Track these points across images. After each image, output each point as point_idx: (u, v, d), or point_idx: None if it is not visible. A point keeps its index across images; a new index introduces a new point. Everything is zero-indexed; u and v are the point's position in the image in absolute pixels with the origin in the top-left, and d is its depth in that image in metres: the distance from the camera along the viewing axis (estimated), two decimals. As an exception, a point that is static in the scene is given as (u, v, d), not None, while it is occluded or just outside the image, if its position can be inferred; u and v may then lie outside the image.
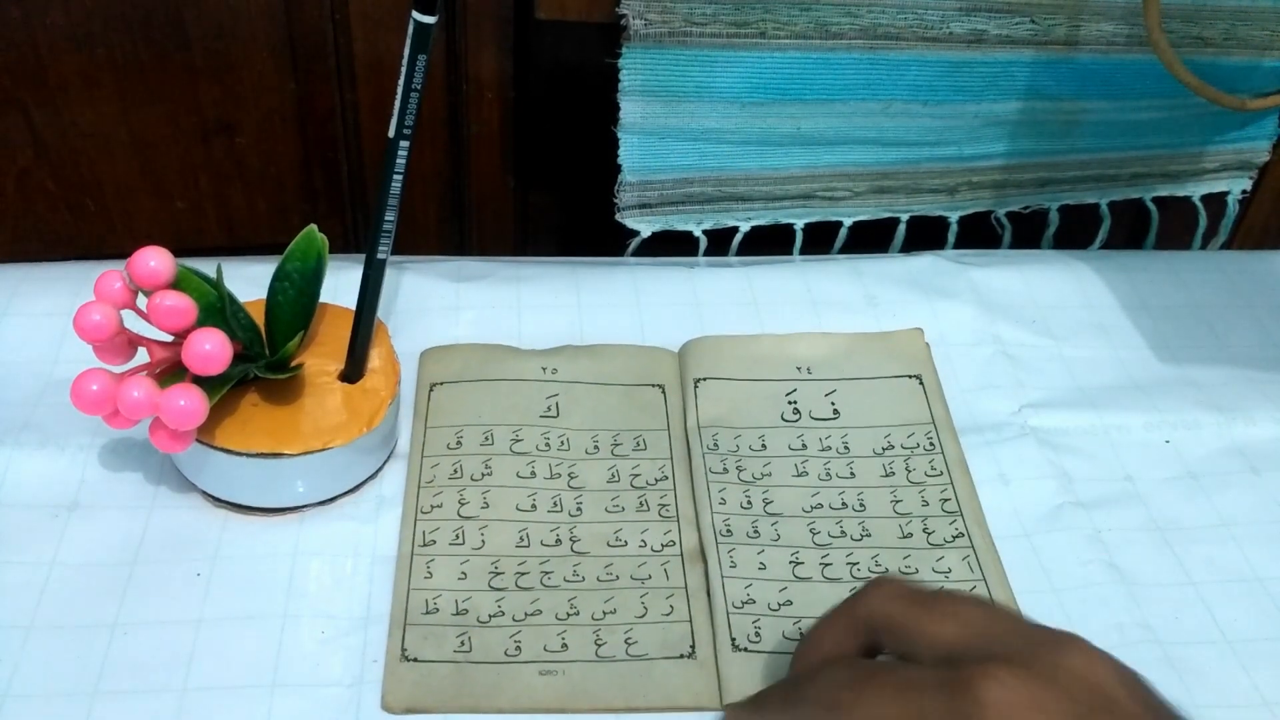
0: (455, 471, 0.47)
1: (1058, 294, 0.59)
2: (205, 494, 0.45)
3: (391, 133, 0.43)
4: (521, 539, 0.45)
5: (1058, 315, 0.58)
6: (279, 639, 0.41)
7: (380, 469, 0.47)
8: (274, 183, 0.62)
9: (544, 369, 0.51)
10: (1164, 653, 0.43)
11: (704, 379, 0.51)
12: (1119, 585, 0.46)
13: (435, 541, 0.44)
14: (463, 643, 0.41)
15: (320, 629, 0.42)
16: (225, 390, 0.43)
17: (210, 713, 0.39)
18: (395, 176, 0.44)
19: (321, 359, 0.47)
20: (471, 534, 0.45)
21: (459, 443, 0.48)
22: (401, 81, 0.42)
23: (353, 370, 0.47)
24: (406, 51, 0.41)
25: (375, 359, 0.47)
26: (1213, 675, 0.43)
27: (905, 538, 0.46)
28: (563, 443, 0.48)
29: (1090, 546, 0.47)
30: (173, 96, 0.57)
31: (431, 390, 0.50)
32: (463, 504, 0.46)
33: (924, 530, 0.47)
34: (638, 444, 0.49)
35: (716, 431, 0.49)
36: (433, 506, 0.46)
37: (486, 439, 0.48)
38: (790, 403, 0.51)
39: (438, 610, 0.42)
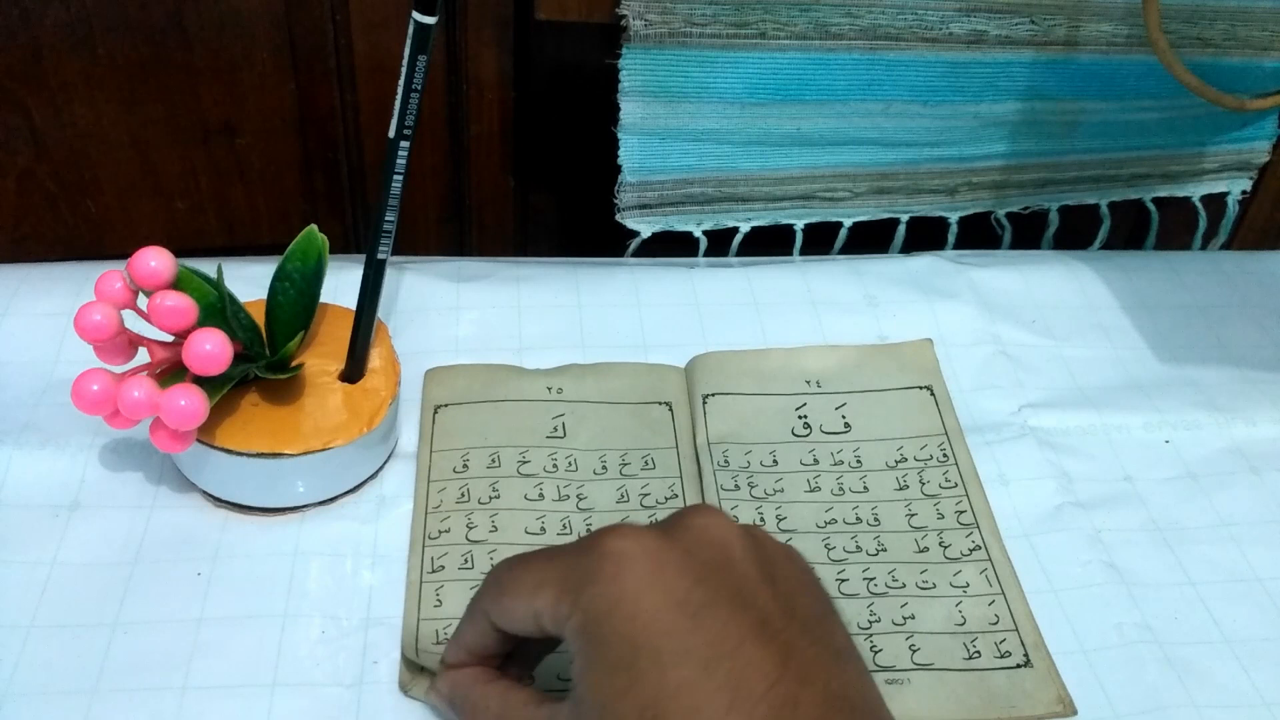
0: (462, 495, 0.46)
1: (1058, 294, 0.59)
2: (205, 494, 0.45)
3: (392, 133, 0.43)
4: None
5: (1058, 315, 0.58)
6: (279, 639, 0.41)
7: (381, 469, 0.47)
8: (274, 183, 0.62)
9: (549, 388, 0.51)
10: (1164, 653, 0.43)
11: (712, 395, 0.51)
12: (1119, 585, 0.46)
13: (444, 568, 0.44)
14: None
15: (320, 629, 0.42)
16: (225, 390, 0.43)
17: (210, 712, 0.39)
18: (395, 177, 0.44)
19: (322, 359, 0.47)
20: (481, 559, 0.44)
21: (465, 466, 0.47)
22: (402, 82, 0.42)
23: (353, 370, 0.47)
24: (407, 52, 0.41)
25: (375, 359, 0.47)
26: (1213, 675, 0.43)
27: (921, 551, 0.46)
28: (570, 463, 0.48)
29: (1090, 546, 0.47)
30: (173, 96, 0.57)
31: (436, 412, 0.49)
32: (471, 528, 0.45)
33: (940, 544, 0.46)
34: (646, 463, 0.48)
35: (726, 448, 0.49)
36: (440, 532, 0.45)
37: (493, 461, 0.48)
38: (800, 417, 0.51)
39: (448, 639, 0.42)
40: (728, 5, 0.53)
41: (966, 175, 0.63)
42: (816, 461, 0.49)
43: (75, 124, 0.57)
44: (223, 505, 0.45)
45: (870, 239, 0.64)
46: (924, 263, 0.60)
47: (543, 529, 0.45)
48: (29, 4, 0.53)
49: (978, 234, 0.66)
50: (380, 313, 0.47)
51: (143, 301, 0.42)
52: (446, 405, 0.50)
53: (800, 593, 0.33)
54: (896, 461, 0.49)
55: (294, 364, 0.46)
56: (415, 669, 0.41)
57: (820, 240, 0.63)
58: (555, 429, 0.49)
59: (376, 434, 0.46)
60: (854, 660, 0.33)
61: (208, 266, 0.45)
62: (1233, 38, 0.60)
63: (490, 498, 0.46)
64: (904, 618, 0.44)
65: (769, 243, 0.62)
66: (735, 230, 0.62)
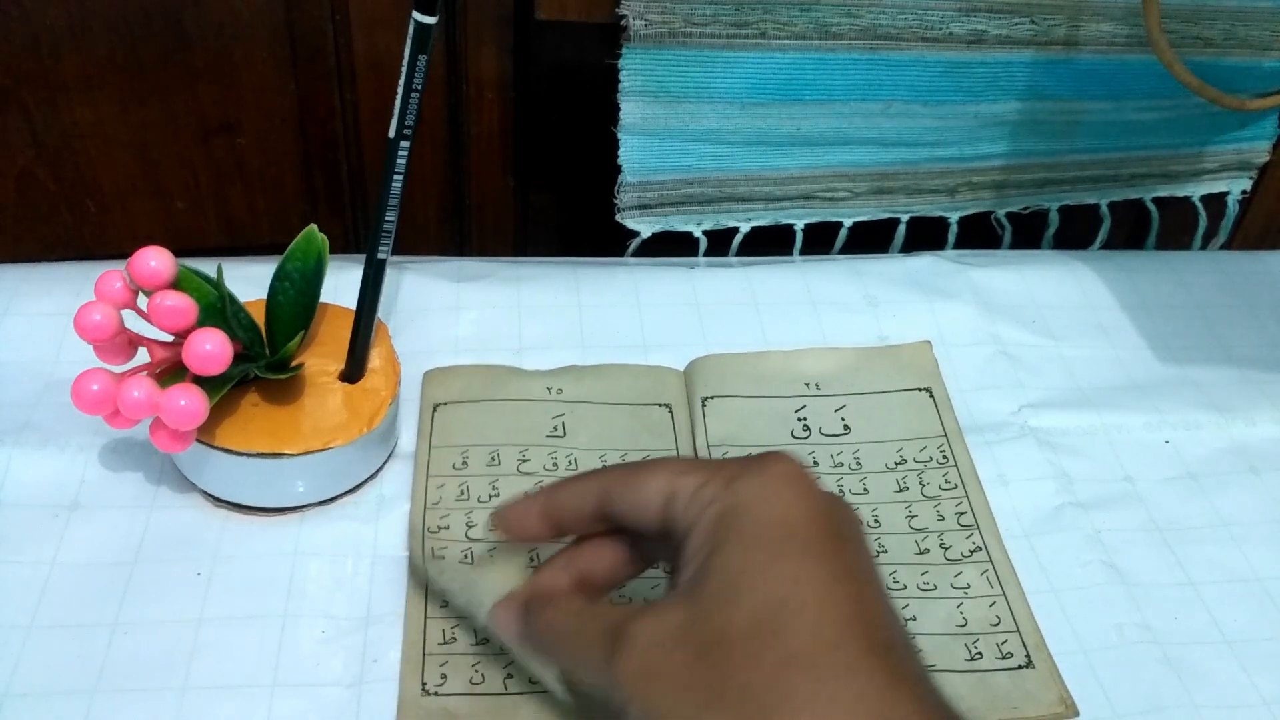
0: (462, 493, 0.46)
1: (1058, 294, 0.59)
2: (205, 494, 0.45)
3: (391, 133, 0.43)
4: (532, 560, 0.44)
5: (1058, 315, 0.58)
6: (279, 639, 0.41)
7: (381, 469, 0.47)
8: (274, 183, 0.62)
9: (549, 389, 0.51)
10: (1164, 653, 0.43)
11: (711, 397, 0.51)
12: (1119, 585, 0.46)
13: (444, 558, 0.44)
14: (481, 674, 0.41)
15: (320, 629, 0.42)
16: (225, 390, 0.43)
17: (210, 712, 0.39)
18: (395, 176, 0.44)
19: (321, 359, 0.47)
20: (482, 558, 0.44)
21: (465, 463, 0.47)
22: (401, 82, 0.42)
23: (353, 370, 0.47)
24: (406, 52, 0.41)
25: (375, 359, 0.47)
26: (1213, 675, 0.43)
27: (922, 553, 0.46)
28: (570, 463, 0.48)
29: (1090, 546, 0.47)
30: (173, 96, 0.57)
31: (435, 410, 0.49)
32: (470, 526, 0.45)
33: (941, 545, 0.46)
34: None
35: (726, 450, 0.49)
36: (440, 529, 0.45)
37: (493, 459, 0.48)
38: (800, 419, 0.51)
39: (455, 640, 0.41)
40: (728, 5, 0.53)
41: (966, 175, 0.63)
42: (816, 464, 0.49)
43: (75, 124, 0.57)
44: (223, 505, 0.45)
45: (870, 239, 0.64)
46: (924, 263, 0.60)
47: None
48: (29, 4, 0.53)
49: (978, 234, 0.66)
50: (380, 313, 0.47)
51: (143, 301, 0.42)
52: (445, 404, 0.50)
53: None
54: (896, 463, 0.49)
55: (294, 364, 0.46)
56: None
57: (820, 240, 0.63)
58: (555, 428, 0.49)
59: (376, 434, 0.46)
60: None
61: (208, 266, 0.45)
62: (1233, 38, 0.60)
63: (490, 496, 0.46)
64: (905, 619, 0.44)
65: (769, 243, 0.62)
66: (735, 230, 0.62)
